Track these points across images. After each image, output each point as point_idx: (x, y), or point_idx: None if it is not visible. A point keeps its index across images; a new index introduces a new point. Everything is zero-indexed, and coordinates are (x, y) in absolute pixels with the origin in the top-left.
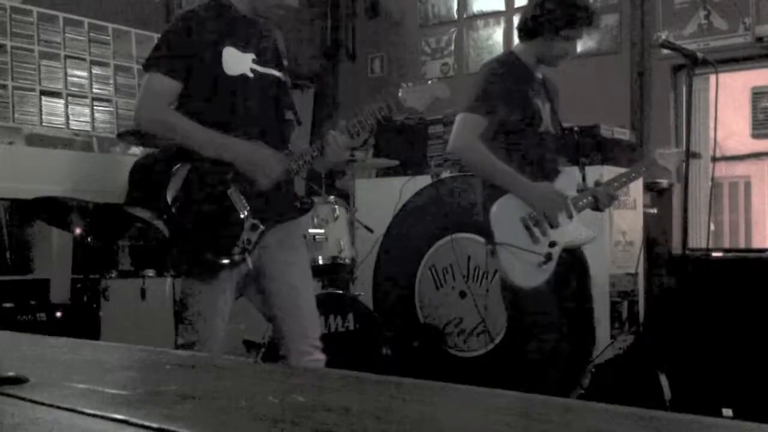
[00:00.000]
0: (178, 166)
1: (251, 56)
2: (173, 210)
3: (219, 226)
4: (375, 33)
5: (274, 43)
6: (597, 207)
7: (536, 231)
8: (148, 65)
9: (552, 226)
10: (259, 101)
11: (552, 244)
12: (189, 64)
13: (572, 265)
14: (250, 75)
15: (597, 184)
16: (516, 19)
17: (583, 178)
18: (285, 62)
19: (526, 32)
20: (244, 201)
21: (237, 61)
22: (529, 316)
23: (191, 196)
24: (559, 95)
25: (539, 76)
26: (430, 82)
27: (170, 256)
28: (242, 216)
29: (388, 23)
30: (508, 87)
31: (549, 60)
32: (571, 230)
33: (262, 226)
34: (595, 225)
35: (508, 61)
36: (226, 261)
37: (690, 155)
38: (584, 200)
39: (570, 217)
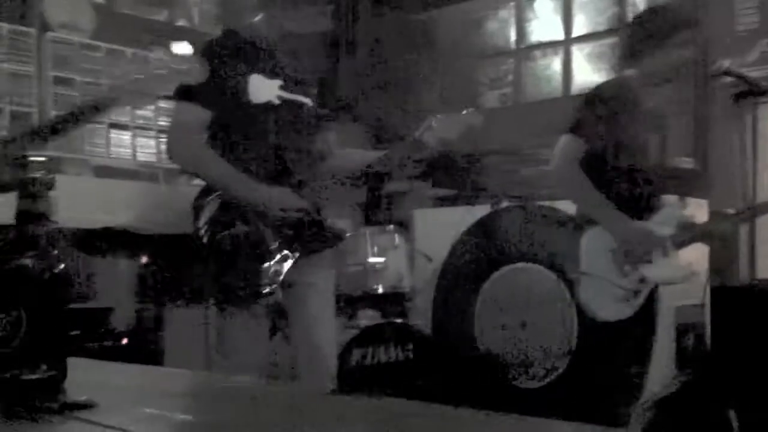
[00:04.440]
0: (212, 196)
1: (278, 83)
2: (203, 241)
3: (248, 259)
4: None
5: (303, 69)
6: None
7: (625, 265)
8: (177, 92)
9: (644, 262)
10: (285, 128)
11: (641, 280)
12: (216, 92)
13: (653, 302)
14: (276, 102)
15: (692, 224)
16: (575, 49)
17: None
18: (314, 89)
19: (631, 53)
20: (274, 233)
21: (263, 88)
22: (605, 349)
23: (221, 227)
24: (667, 125)
25: (650, 104)
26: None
27: (199, 287)
28: (272, 248)
29: (443, 52)
30: (607, 113)
31: (665, 74)
32: (665, 267)
33: (291, 257)
34: None
35: (615, 84)
36: (254, 295)
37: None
38: (685, 238)
39: (665, 255)
